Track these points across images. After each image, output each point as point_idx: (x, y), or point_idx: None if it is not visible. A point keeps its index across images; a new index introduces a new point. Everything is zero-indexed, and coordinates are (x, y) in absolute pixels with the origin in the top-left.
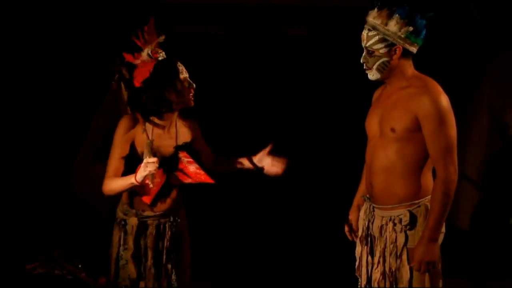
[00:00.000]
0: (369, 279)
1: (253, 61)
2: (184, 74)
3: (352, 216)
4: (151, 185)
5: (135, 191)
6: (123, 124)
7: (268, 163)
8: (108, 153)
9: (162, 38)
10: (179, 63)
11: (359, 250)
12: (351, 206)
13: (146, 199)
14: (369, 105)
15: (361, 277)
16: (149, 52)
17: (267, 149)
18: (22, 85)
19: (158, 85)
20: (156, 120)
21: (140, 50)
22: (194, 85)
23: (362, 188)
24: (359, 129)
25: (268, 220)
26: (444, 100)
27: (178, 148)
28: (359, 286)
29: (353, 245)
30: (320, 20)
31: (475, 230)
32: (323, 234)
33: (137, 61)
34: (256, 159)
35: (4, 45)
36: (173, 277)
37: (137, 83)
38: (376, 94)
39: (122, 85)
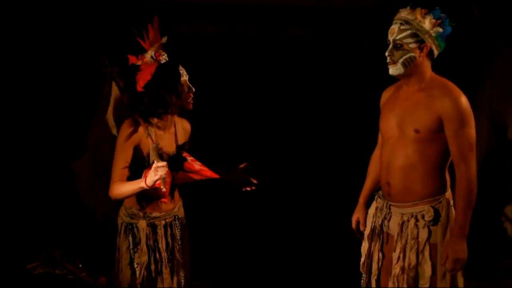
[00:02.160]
0: (379, 275)
1: (253, 61)
2: (184, 77)
3: (360, 214)
4: (163, 189)
5: (143, 194)
6: (125, 128)
7: (238, 179)
8: (105, 156)
9: (164, 39)
10: (180, 66)
11: (366, 246)
12: (356, 205)
13: (165, 200)
14: (369, 105)
15: (366, 274)
16: (153, 54)
17: (241, 166)
18: (20, 87)
19: (160, 88)
20: (157, 122)
21: (143, 51)
22: (194, 89)
23: (367, 186)
24: (359, 129)
25: (268, 220)
26: (465, 101)
27: (179, 147)
28: (362, 283)
29: (352, 245)
30: (321, 20)
31: (475, 230)
32: (323, 234)
33: (140, 62)
34: (227, 174)
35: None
36: (182, 274)
37: (139, 87)
38: (385, 96)
39: (115, 87)
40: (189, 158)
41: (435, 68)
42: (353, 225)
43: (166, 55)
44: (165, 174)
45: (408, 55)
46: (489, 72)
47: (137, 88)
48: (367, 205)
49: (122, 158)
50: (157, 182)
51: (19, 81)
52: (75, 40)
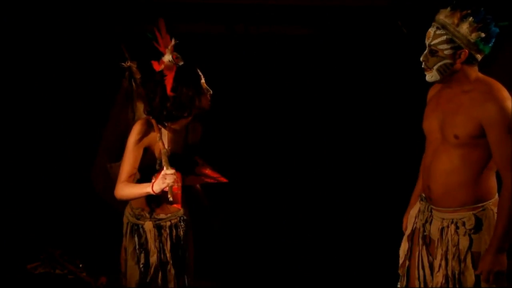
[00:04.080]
0: (425, 279)
1: (253, 61)
2: (203, 79)
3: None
4: (170, 198)
5: (153, 197)
6: (137, 129)
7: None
8: (122, 152)
9: (174, 41)
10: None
11: (406, 247)
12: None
13: (177, 206)
14: (371, 106)
15: (404, 276)
16: (171, 58)
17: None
18: (30, 84)
19: (187, 91)
20: (170, 125)
21: (161, 55)
22: (211, 91)
23: (419, 186)
24: (361, 130)
25: (271, 220)
26: (510, 106)
27: (190, 150)
28: (399, 286)
29: (352, 247)
30: (321, 20)
31: None
32: (325, 234)
33: (162, 67)
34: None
35: (12, 46)
36: (187, 275)
37: (170, 91)
38: (431, 93)
39: (133, 83)
40: (200, 162)
41: None
42: (404, 225)
43: (180, 57)
44: (172, 182)
45: (443, 62)
46: (489, 71)
47: (168, 93)
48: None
49: (131, 159)
50: (165, 190)
51: (27, 80)
52: (90, 36)
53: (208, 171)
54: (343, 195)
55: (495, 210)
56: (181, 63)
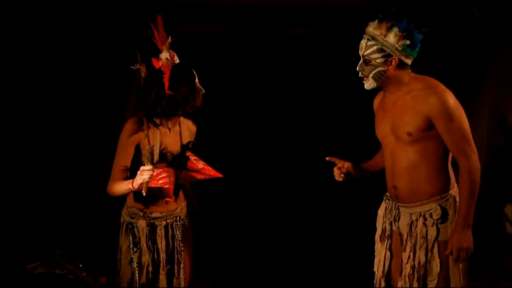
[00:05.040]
0: (386, 274)
1: (253, 61)
2: (196, 78)
3: (338, 160)
4: (144, 194)
5: (144, 195)
6: (128, 127)
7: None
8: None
9: (170, 39)
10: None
11: (379, 247)
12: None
13: (170, 200)
14: (370, 105)
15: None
16: (168, 56)
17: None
18: (31, 84)
19: (183, 89)
20: (163, 121)
21: (159, 52)
22: (203, 90)
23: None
24: (360, 130)
25: (269, 220)
26: (450, 97)
27: (184, 146)
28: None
29: (352, 246)
30: (321, 20)
31: (476, 230)
32: (324, 234)
33: (159, 65)
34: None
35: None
36: (182, 275)
37: (168, 89)
38: (376, 102)
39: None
40: (193, 158)
41: (434, 68)
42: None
43: (177, 55)
44: (149, 178)
45: (377, 69)
46: (489, 71)
47: (166, 91)
48: (355, 166)
49: (122, 156)
50: (141, 186)
51: (34, 81)
52: (91, 36)
53: (202, 167)
54: (342, 194)
55: (457, 198)
56: (177, 61)
